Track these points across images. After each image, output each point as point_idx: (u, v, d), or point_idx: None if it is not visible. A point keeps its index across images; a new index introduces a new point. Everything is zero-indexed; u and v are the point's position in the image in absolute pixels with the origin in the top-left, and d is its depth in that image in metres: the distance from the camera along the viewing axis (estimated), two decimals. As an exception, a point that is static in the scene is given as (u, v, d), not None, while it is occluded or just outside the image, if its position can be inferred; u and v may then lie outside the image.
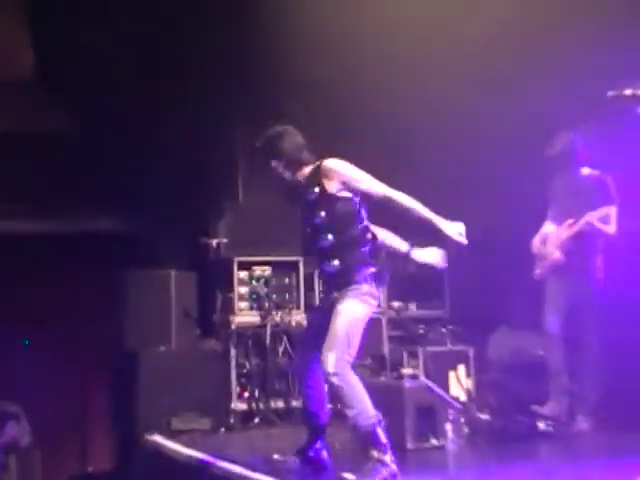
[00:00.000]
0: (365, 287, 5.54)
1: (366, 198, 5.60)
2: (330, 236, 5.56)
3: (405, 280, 8.74)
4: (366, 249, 5.61)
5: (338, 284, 5.57)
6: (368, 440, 5.34)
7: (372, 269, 5.58)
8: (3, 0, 9.73)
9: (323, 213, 5.57)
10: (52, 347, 9.27)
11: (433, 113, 8.25)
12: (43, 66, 9.74)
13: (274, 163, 5.75)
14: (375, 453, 5.30)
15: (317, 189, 5.59)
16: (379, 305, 8.49)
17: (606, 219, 7.00)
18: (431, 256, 5.83)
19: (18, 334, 9.17)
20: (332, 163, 5.60)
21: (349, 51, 8.26)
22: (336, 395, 5.46)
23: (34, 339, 9.15)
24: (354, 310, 5.49)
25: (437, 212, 5.68)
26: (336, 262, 5.56)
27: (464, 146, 8.32)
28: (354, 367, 5.52)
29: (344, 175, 5.56)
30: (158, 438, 7.42)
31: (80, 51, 9.22)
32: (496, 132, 7.97)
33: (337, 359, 5.34)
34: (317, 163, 5.67)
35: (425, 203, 5.62)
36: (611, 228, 7.01)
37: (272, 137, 5.81)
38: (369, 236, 5.64)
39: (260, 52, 8.72)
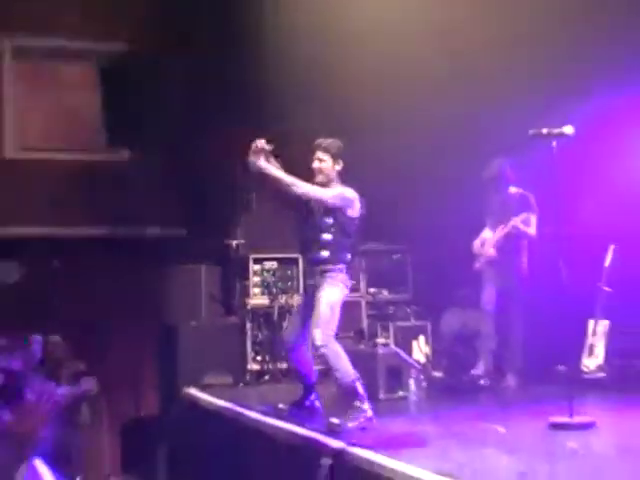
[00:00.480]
0: (340, 276, 5.68)
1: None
2: (330, 236, 5.66)
3: (380, 272, 8.91)
4: (349, 254, 5.77)
5: (321, 271, 5.66)
6: (350, 393, 5.49)
7: (347, 265, 5.74)
8: (83, 74, 9.86)
9: (331, 220, 5.68)
10: (116, 324, 9.35)
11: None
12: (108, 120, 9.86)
13: (327, 160, 5.74)
14: (357, 403, 5.44)
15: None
16: (357, 290, 8.64)
17: (527, 223, 7.02)
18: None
19: (99, 318, 9.29)
20: (352, 195, 5.74)
21: (349, 52, 7.84)
22: (325, 361, 5.60)
23: (105, 319, 9.29)
24: (332, 295, 5.62)
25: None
26: (326, 253, 5.65)
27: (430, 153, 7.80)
28: (339, 338, 5.66)
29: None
30: (193, 391, 7.55)
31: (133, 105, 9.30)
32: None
33: (323, 334, 5.49)
34: (342, 187, 5.77)
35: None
36: (531, 230, 7.05)
37: (342, 145, 5.80)
38: (353, 249, 5.83)
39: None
